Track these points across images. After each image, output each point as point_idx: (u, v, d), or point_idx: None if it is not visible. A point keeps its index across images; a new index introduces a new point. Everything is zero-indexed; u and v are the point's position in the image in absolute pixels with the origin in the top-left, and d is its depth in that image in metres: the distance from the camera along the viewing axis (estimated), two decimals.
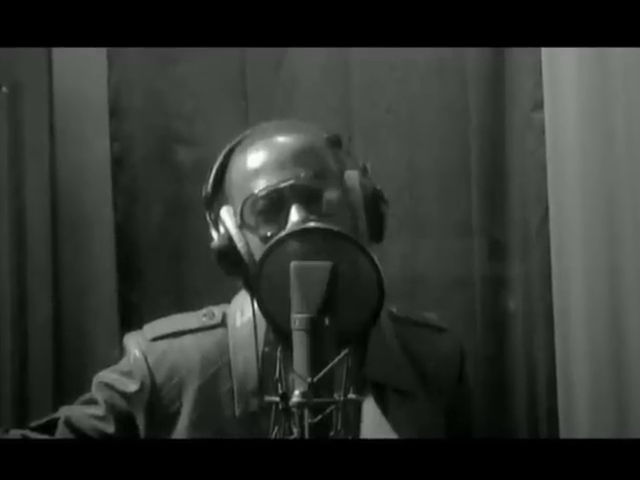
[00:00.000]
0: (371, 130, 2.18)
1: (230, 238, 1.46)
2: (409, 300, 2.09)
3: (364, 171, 1.52)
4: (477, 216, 2.13)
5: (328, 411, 1.16)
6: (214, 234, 1.48)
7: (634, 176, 2.01)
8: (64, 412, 1.52)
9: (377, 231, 1.48)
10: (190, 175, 2.15)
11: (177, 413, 1.48)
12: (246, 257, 1.44)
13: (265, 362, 1.44)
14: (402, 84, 2.17)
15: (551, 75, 2.06)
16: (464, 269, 2.13)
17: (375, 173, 1.52)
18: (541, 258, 2.07)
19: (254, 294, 1.34)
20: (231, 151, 1.52)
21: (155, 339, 1.52)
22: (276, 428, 1.20)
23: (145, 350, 1.51)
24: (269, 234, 1.42)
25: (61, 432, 1.50)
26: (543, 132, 2.06)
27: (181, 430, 1.47)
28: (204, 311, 1.55)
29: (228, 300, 1.56)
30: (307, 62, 2.19)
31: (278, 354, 1.23)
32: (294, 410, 1.16)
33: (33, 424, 1.52)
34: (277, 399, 1.18)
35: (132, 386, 1.49)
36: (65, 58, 2.16)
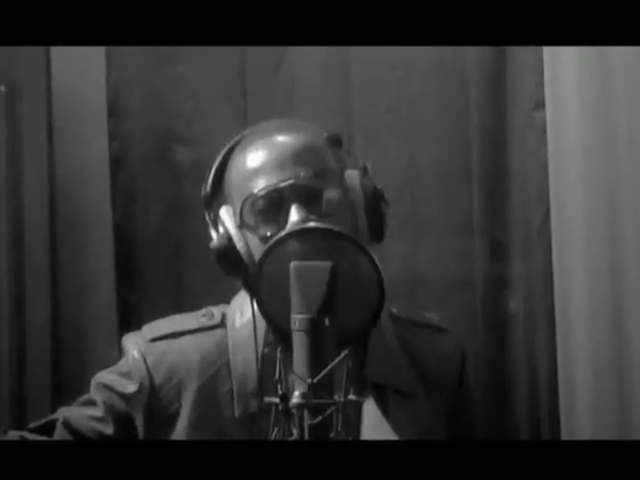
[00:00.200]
0: (371, 129, 2.17)
1: (229, 238, 1.45)
2: (410, 300, 2.09)
3: (364, 170, 1.51)
4: (478, 216, 2.13)
5: (328, 412, 1.16)
6: (213, 234, 1.48)
7: (635, 175, 2.01)
8: (62, 413, 1.51)
9: (377, 231, 1.48)
10: (189, 175, 2.14)
11: (176, 414, 1.48)
12: (246, 257, 1.44)
13: (265, 363, 1.44)
14: (402, 83, 2.17)
15: (552, 74, 2.06)
16: (465, 269, 2.13)
17: (375, 173, 1.52)
18: (542, 258, 2.07)
19: (253, 294, 1.34)
20: (230, 151, 1.52)
21: (154, 340, 1.51)
22: (276, 429, 1.19)
23: (144, 351, 1.50)
24: (269, 234, 1.42)
25: (59, 433, 1.49)
26: (544, 131, 2.06)
27: (180, 431, 1.47)
28: (203, 311, 1.54)
29: (227, 300, 1.55)
30: (307, 62, 2.19)
31: (278, 355, 1.22)
32: (294, 411, 1.15)
33: (31, 425, 1.52)
34: (277, 400, 1.17)
35: (131, 387, 1.49)
36: (64, 57, 2.15)
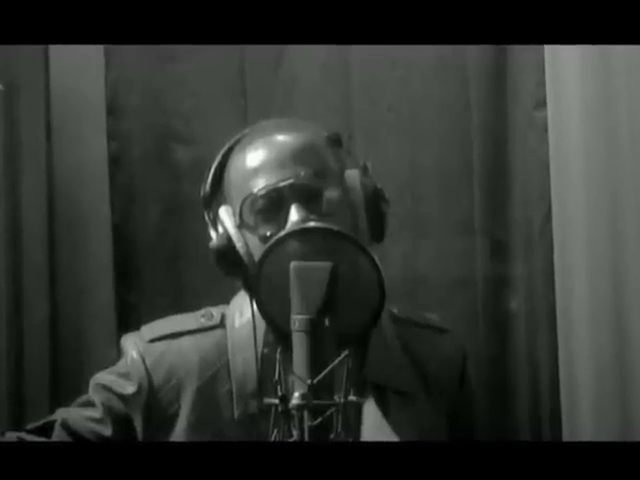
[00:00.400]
0: (372, 129, 2.17)
1: (229, 238, 1.45)
2: (410, 301, 2.08)
3: (365, 170, 1.51)
4: (479, 215, 2.12)
5: (328, 413, 1.16)
6: (213, 234, 1.48)
7: (637, 174, 2.01)
8: (61, 414, 1.51)
9: (378, 231, 1.47)
10: (188, 174, 2.14)
11: (175, 415, 1.47)
12: (245, 257, 1.43)
13: (264, 363, 1.43)
14: (403, 82, 2.17)
15: (554, 73, 2.05)
16: (466, 269, 2.13)
17: (376, 172, 1.52)
18: (544, 257, 2.07)
19: (253, 295, 1.33)
20: (230, 150, 1.51)
21: (153, 340, 1.51)
22: (275, 430, 1.19)
23: (143, 351, 1.49)
24: (268, 234, 1.41)
25: (58, 434, 1.49)
26: (546, 130, 2.06)
27: (179, 432, 1.47)
28: (202, 312, 1.54)
29: (227, 301, 1.55)
30: (307, 60, 2.19)
31: (277, 355, 1.22)
32: (294, 412, 1.15)
33: (29, 426, 1.51)
34: (276, 401, 1.17)
35: (129, 388, 1.48)
36: (62, 56, 2.15)
